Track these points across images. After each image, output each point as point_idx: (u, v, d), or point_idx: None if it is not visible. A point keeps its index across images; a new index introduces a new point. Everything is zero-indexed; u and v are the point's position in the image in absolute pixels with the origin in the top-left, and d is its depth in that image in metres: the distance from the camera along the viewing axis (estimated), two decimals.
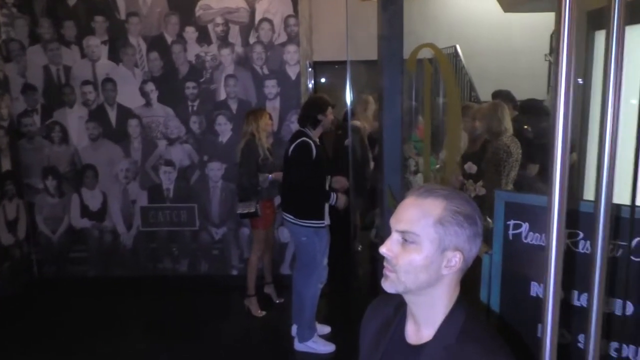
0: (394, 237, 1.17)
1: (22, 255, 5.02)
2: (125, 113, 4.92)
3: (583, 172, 4.41)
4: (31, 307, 4.81)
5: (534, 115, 4.56)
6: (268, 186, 4.29)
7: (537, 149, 4.14)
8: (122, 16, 4.76)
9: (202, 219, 5.09)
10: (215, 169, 5.00)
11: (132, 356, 3.94)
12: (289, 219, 3.80)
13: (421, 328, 1.21)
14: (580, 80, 5.31)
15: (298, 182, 3.73)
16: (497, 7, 6.62)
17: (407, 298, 1.22)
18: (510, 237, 1.49)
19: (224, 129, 4.92)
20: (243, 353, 3.97)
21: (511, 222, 1.49)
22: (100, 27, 4.78)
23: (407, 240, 1.14)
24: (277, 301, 4.74)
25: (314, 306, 3.90)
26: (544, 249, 0.93)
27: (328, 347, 3.94)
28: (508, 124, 3.69)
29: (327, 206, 3.82)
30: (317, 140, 3.79)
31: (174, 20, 4.74)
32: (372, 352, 1.30)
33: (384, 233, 1.94)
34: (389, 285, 1.18)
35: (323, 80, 8.39)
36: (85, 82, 4.88)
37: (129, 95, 4.88)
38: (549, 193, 0.94)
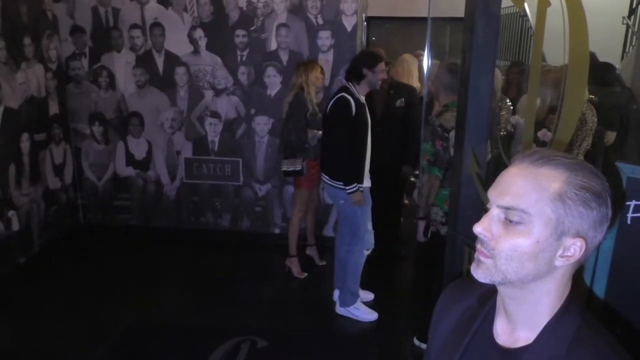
0: (494, 214, 0.92)
1: (68, 200, 5.02)
2: (172, 60, 4.75)
3: None
4: (76, 251, 4.84)
5: (604, 80, 4.15)
6: (316, 144, 4.06)
7: (614, 116, 3.78)
8: None
9: (246, 174, 4.95)
10: (262, 123, 4.81)
11: (171, 307, 3.90)
12: (326, 180, 3.59)
13: (517, 328, 0.98)
14: None
15: (334, 141, 3.48)
16: None
17: (503, 291, 0.98)
18: (629, 221, 1.23)
19: (273, 81, 4.69)
20: (282, 314, 3.87)
21: (632, 203, 1.22)
22: None
23: (512, 220, 0.89)
24: (320, 264, 4.59)
25: (357, 274, 3.72)
26: None
27: (371, 315, 3.79)
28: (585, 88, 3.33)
29: (367, 167, 3.55)
30: (362, 97, 3.47)
31: None
32: (449, 350, 1.08)
33: (455, 204, 1.70)
34: (482, 274, 0.94)
35: (373, 38, 8.01)
36: (134, 26, 4.71)
37: (177, 41, 4.70)
38: None
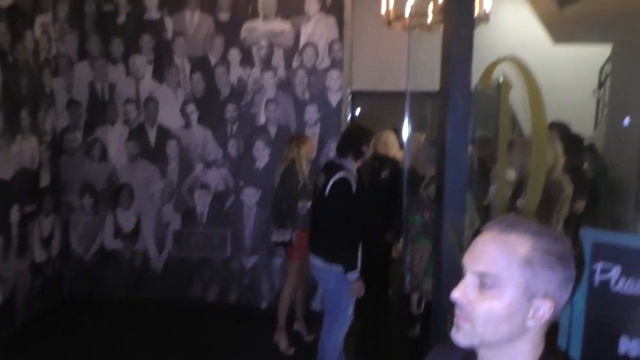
0: (469, 280, 0.99)
1: (53, 273, 4.98)
2: (164, 133, 4.90)
3: None
4: (60, 324, 4.74)
5: (575, 150, 4.35)
6: (305, 214, 4.13)
7: (583, 185, 3.92)
8: (169, 36, 4.78)
9: (234, 246, 4.98)
10: (251, 195, 4.90)
11: None
12: (318, 263, 3.45)
13: None
14: (626, 120, 5.08)
15: (333, 222, 3.35)
16: (547, 38, 6.44)
17: (482, 353, 1.04)
18: (596, 284, 1.31)
19: (262, 154, 4.83)
20: None
21: (598, 266, 1.30)
22: (147, 45, 4.81)
23: (486, 283, 0.97)
24: (308, 339, 4.51)
25: (334, 356, 3.52)
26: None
27: None
28: (560, 159, 3.50)
29: (360, 249, 3.44)
30: (355, 173, 3.45)
31: (219, 41, 4.73)
32: None
33: (438, 273, 1.77)
34: (462, 338, 1.00)
35: (358, 110, 8.30)
36: (128, 101, 4.89)
37: (169, 115, 4.87)
38: None
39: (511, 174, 3.80)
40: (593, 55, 6.17)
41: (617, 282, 1.28)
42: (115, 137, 4.96)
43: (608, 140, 5.37)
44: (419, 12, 5.03)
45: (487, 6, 5.24)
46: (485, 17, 5.27)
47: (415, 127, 4.75)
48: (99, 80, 4.90)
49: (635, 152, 4.60)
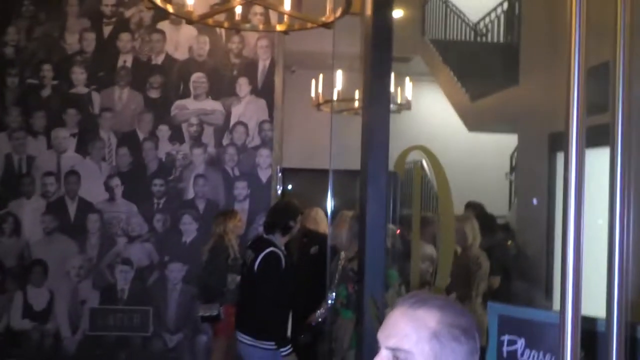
0: (384, 355, 1.03)
1: None
2: (86, 207, 4.74)
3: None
4: None
5: (489, 229, 4.63)
6: (234, 288, 4.05)
7: (498, 262, 4.14)
8: (96, 110, 4.75)
9: (157, 324, 4.75)
10: (176, 270, 4.76)
11: None
12: (246, 341, 3.36)
13: None
14: (534, 201, 5.53)
15: (263, 297, 3.32)
16: (462, 127, 6.98)
17: None
18: (504, 355, 1.39)
19: (189, 228, 4.77)
20: None
21: (505, 338, 1.39)
22: (72, 119, 4.74)
23: (398, 358, 1.02)
24: None
25: None
26: None
27: None
28: (477, 236, 3.71)
29: (289, 325, 3.46)
30: (284, 248, 3.50)
31: (148, 118, 4.76)
32: None
33: (360, 346, 1.80)
34: None
35: (290, 187, 8.46)
36: (48, 174, 4.72)
37: (92, 189, 4.74)
38: (561, 310, 0.86)
39: (429, 250, 3.97)
40: (505, 142, 6.74)
41: (522, 353, 1.36)
42: (30, 211, 4.72)
43: (519, 220, 5.77)
44: (347, 97, 5.36)
45: (409, 94, 5.68)
46: (407, 105, 5.69)
47: (341, 205, 4.92)
48: (17, 153, 4.72)
49: (543, 231, 4.95)
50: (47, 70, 4.73)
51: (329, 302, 3.60)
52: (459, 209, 5.25)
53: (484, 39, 7.33)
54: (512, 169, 6.98)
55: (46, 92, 4.75)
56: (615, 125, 0.96)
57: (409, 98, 5.66)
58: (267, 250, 3.34)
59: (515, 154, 6.74)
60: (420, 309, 1.03)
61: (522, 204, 6.23)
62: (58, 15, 4.75)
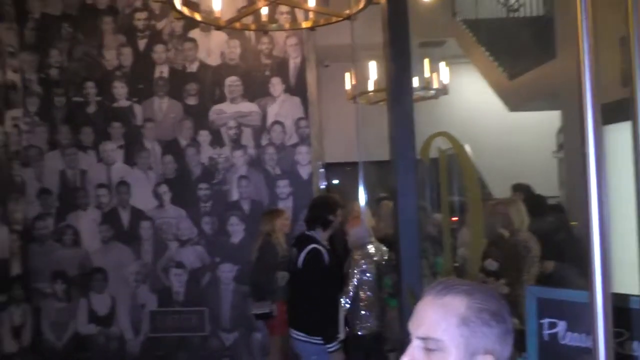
0: (415, 344, 1.04)
1: None
2: (137, 215, 4.93)
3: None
4: None
5: (539, 210, 4.48)
6: (284, 285, 4.12)
7: (550, 246, 4.01)
8: (139, 122, 4.93)
9: (212, 324, 4.90)
10: (227, 271, 4.89)
11: None
12: (300, 337, 3.38)
13: None
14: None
15: (309, 294, 3.36)
16: (503, 107, 6.80)
17: None
18: (546, 338, 1.37)
19: (236, 229, 4.88)
20: None
21: (545, 321, 1.37)
22: (117, 132, 4.94)
23: (430, 348, 1.02)
24: None
25: None
26: (585, 351, 0.82)
27: None
28: (525, 219, 3.62)
29: (342, 319, 3.47)
30: (327, 243, 3.52)
31: (188, 124, 4.90)
32: None
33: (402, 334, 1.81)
34: None
35: (336, 181, 8.50)
36: (100, 185, 4.95)
37: (142, 197, 4.92)
38: (589, 289, 0.85)
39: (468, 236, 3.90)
40: (549, 119, 6.52)
41: (564, 336, 1.34)
42: (87, 222, 4.96)
43: (570, 200, 5.58)
44: (382, 87, 5.33)
45: (445, 79, 5.59)
46: (444, 89, 5.60)
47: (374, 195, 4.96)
48: (70, 168, 4.97)
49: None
50: (90, 87, 4.95)
51: (344, 304, 3.61)
52: (505, 191, 5.14)
53: (516, 14, 7.10)
54: (560, 146, 6.75)
55: (91, 108, 4.97)
56: (635, 99, 0.94)
57: (446, 82, 5.57)
58: (309, 247, 3.36)
59: (561, 130, 6.51)
60: (447, 296, 1.03)
61: (572, 182, 6.03)
62: (95, 34, 4.96)
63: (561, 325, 1.36)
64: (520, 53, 6.11)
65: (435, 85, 5.50)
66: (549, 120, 6.45)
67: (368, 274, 3.70)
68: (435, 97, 5.63)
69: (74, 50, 4.96)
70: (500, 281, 3.35)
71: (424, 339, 1.02)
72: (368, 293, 3.68)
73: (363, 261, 3.69)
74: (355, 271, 3.66)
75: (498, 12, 7.37)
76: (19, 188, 4.88)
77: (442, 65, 5.53)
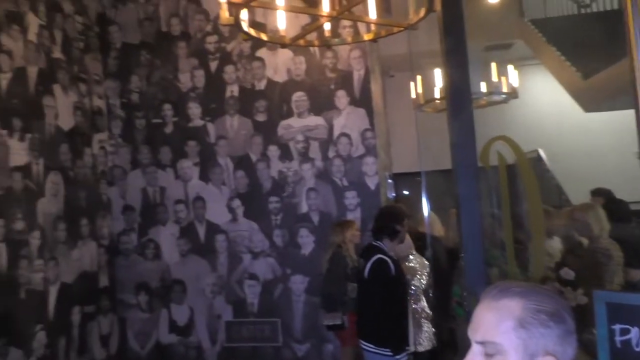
0: (475, 349, 1.04)
1: None
2: (213, 229, 5.15)
3: None
4: None
5: (620, 218, 4.22)
6: (355, 297, 4.13)
7: (636, 253, 3.77)
8: (212, 140, 5.17)
9: (285, 335, 5.00)
10: (298, 282, 4.98)
11: None
12: (369, 348, 3.35)
13: None
14: None
15: (376, 304, 3.33)
16: (577, 108, 6.50)
17: None
18: (618, 345, 1.32)
19: (306, 241, 4.97)
20: None
21: (617, 327, 1.32)
22: (193, 150, 5.20)
23: (489, 352, 1.01)
24: None
25: None
26: None
27: None
28: (605, 225, 3.44)
29: (412, 329, 3.43)
30: (393, 253, 3.46)
31: (258, 140, 5.07)
32: None
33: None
34: None
35: (406, 192, 8.43)
36: (178, 201, 5.22)
37: (217, 211, 5.14)
38: None
39: (554, 243, 3.75)
40: (629, 119, 6.14)
41: (637, 343, 1.29)
42: (167, 236, 5.24)
43: None
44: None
45: (515, 82, 5.43)
46: (514, 93, 5.44)
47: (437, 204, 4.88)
48: (151, 185, 5.29)
49: None
50: (167, 109, 5.27)
51: None
52: (584, 197, 4.89)
53: (588, 10, 6.76)
54: None
55: (169, 129, 5.28)
56: None
57: (515, 85, 5.41)
58: (375, 257, 3.34)
59: None
60: (503, 299, 1.03)
61: None
62: (170, 58, 5.28)
63: (635, 332, 1.30)
64: (594, 50, 5.81)
65: (505, 89, 5.35)
66: (628, 119, 6.08)
67: (413, 288, 3.66)
68: (505, 101, 5.48)
69: (152, 75, 5.32)
70: (578, 291, 3.19)
71: (482, 343, 1.03)
72: (414, 306, 3.64)
73: (409, 276, 3.64)
74: None
75: (568, 9, 7.07)
76: (105, 206, 5.25)
77: (511, 68, 5.38)
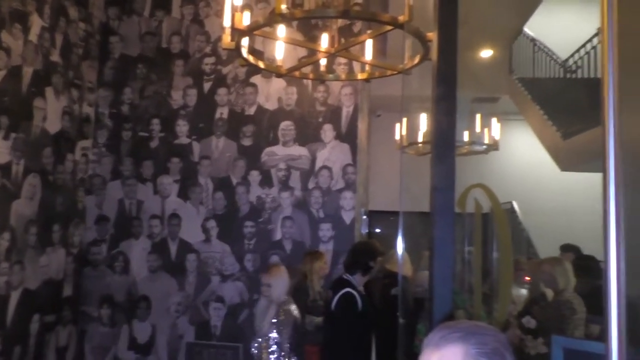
0: None
1: None
2: (185, 247, 5.12)
3: None
4: None
5: (588, 273, 4.35)
6: (313, 330, 4.13)
7: (599, 309, 3.86)
8: (196, 158, 5.19)
9: None
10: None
11: None
12: None
13: None
14: None
15: (340, 338, 3.35)
16: (554, 166, 6.72)
17: None
18: None
19: None
20: None
21: None
22: (175, 167, 5.21)
23: None
24: None
25: None
26: None
27: None
28: (571, 280, 3.54)
29: None
30: (362, 289, 3.52)
31: (241, 164, 5.11)
32: None
33: None
34: None
35: (378, 230, 8.51)
36: (154, 216, 5.19)
37: (191, 230, 5.12)
38: (606, 341, 0.89)
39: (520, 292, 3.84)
40: (601, 181, 6.35)
41: None
42: (138, 251, 5.19)
43: (628, 265, 5.35)
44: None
45: (497, 134, 5.61)
46: (495, 145, 5.61)
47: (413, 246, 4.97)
48: (128, 198, 5.26)
49: None
50: (155, 124, 5.30)
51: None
52: (553, 252, 5.02)
53: (574, 75, 7.10)
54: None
55: (154, 143, 5.29)
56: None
57: (497, 138, 5.59)
58: (343, 290, 3.39)
59: None
60: (444, 347, 1.04)
61: (629, 246, 5.80)
62: (166, 75, 5.34)
63: None
64: (575, 113, 6.07)
65: (486, 140, 5.52)
66: (601, 183, 6.30)
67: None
68: (485, 152, 5.64)
69: (146, 89, 5.36)
70: (539, 340, 3.26)
71: None
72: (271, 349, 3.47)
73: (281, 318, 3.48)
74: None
75: (555, 72, 7.39)
76: (80, 214, 5.19)
77: (494, 121, 5.56)
